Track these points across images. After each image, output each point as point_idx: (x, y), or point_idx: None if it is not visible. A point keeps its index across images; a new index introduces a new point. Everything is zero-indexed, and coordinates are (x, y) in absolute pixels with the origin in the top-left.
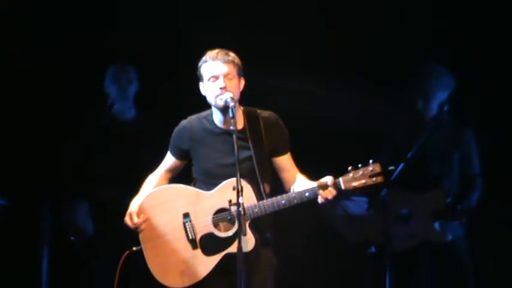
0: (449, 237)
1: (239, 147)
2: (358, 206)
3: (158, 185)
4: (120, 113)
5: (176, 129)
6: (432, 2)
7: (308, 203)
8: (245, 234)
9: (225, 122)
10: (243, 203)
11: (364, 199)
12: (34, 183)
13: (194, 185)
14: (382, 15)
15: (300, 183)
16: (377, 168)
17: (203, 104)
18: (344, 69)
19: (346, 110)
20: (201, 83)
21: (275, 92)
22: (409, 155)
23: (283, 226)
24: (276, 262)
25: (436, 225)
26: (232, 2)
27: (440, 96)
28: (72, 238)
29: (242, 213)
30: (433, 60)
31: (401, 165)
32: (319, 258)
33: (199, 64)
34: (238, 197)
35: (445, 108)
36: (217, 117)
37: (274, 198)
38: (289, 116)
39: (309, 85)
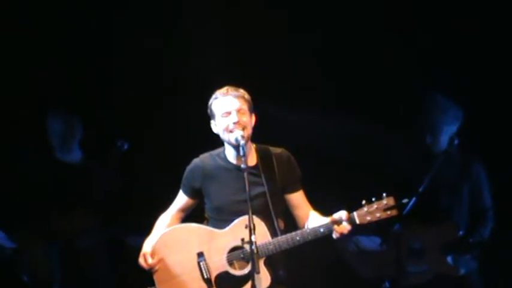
0: (462, 271)
1: (252, 184)
2: (371, 241)
3: (170, 224)
4: (64, 156)
5: (188, 168)
6: (436, 35)
7: (322, 238)
8: (259, 272)
9: (237, 157)
10: (255, 242)
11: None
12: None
13: (207, 224)
14: (384, 48)
15: (313, 220)
16: (391, 201)
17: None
18: (350, 105)
19: (354, 144)
20: (212, 122)
21: (288, 127)
22: (420, 189)
23: (297, 262)
24: None
25: (449, 259)
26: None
27: (448, 129)
28: (25, 278)
29: (255, 251)
30: (438, 93)
31: (413, 199)
32: None
33: (210, 102)
34: (250, 235)
35: (455, 142)
36: (230, 153)
37: (288, 235)
38: (299, 151)
39: (321, 121)
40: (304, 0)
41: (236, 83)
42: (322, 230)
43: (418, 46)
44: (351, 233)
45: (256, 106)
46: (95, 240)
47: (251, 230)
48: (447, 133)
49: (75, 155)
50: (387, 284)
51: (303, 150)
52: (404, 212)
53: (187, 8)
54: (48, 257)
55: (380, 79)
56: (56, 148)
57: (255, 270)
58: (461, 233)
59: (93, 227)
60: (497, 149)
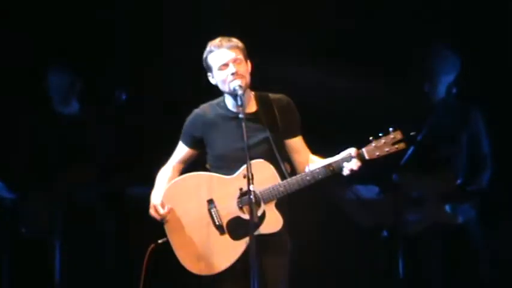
0: (460, 219)
1: (254, 130)
2: (369, 190)
3: (172, 176)
4: (62, 109)
5: (188, 118)
6: None
7: (331, 176)
8: (256, 221)
9: (238, 106)
10: (254, 191)
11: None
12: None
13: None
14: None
15: (315, 162)
16: (398, 135)
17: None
18: (349, 56)
19: (352, 96)
20: (209, 74)
21: (281, 80)
22: (418, 138)
23: (295, 211)
24: (291, 246)
25: (447, 207)
26: None
27: (447, 78)
28: (23, 230)
29: (253, 200)
30: (437, 42)
31: (411, 148)
32: (331, 243)
33: (205, 56)
34: (249, 184)
35: (453, 90)
36: (230, 103)
37: (298, 176)
38: (302, 104)
39: (315, 72)
40: None
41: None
42: (332, 167)
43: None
44: (361, 170)
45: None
46: (95, 194)
47: (249, 179)
48: (445, 82)
49: (73, 108)
50: (385, 233)
51: (302, 103)
52: (403, 161)
53: None
54: (48, 210)
55: (378, 29)
56: (55, 101)
57: (253, 220)
58: (459, 181)
59: (93, 180)
60: (495, 97)
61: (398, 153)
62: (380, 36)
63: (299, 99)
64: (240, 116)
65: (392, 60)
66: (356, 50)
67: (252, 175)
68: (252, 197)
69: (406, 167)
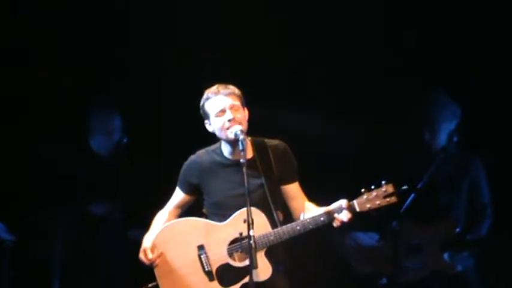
0: (459, 267)
1: (250, 177)
2: (369, 237)
3: (168, 221)
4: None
5: (185, 164)
6: (435, 31)
7: (322, 227)
8: (256, 267)
9: (234, 153)
10: (254, 236)
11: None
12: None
13: (206, 219)
14: (382, 45)
15: (310, 210)
16: (390, 188)
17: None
18: (348, 103)
19: (352, 142)
20: (206, 121)
21: (285, 127)
22: (418, 186)
23: (295, 257)
24: None
25: (446, 255)
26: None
27: (447, 126)
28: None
29: (253, 245)
30: (437, 90)
31: (411, 195)
32: None
33: (202, 103)
34: (249, 229)
35: (454, 139)
36: (227, 149)
37: (289, 225)
38: (294, 149)
39: (313, 117)
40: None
41: (232, 83)
42: (322, 218)
43: (417, 43)
44: (351, 223)
45: (253, 106)
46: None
47: (249, 224)
48: (446, 130)
49: (110, 147)
50: (384, 280)
51: (300, 149)
52: (403, 208)
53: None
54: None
55: (378, 77)
56: (94, 138)
57: (252, 265)
58: (458, 230)
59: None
60: (496, 146)
61: (399, 201)
62: (380, 84)
63: (297, 146)
64: (242, 161)
65: (392, 108)
66: (356, 97)
67: (253, 220)
68: (252, 242)
69: (406, 215)
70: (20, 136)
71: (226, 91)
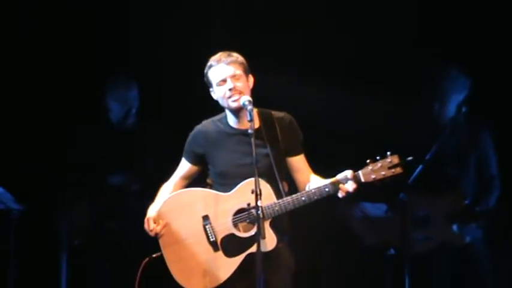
0: (467, 239)
1: (256, 146)
2: (377, 208)
3: (173, 192)
4: (119, 123)
5: (191, 134)
6: (446, 4)
7: (327, 198)
8: (265, 238)
9: (239, 122)
10: (261, 206)
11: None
12: (47, 185)
13: (211, 189)
14: (396, 18)
15: (315, 182)
16: (395, 159)
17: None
18: (358, 74)
19: (360, 113)
20: (211, 89)
21: (287, 96)
22: (426, 157)
23: (301, 229)
24: (295, 264)
25: (454, 227)
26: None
27: (456, 98)
28: (75, 242)
29: (261, 216)
30: (447, 62)
31: (419, 167)
32: (337, 260)
33: (205, 71)
34: (257, 199)
35: (463, 110)
36: (232, 119)
37: (294, 196)
38: (303, 120)
39: (323, 89)
40: None
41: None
42: (327, 189)
43: (426, 15)
44: (357, 193)
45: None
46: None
47: (257, 194)
48: (455, 102)
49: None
50: (392, 251)
51: (308, 121)
52: (411, 179)
53: None
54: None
55: (388, 48)
56: (112, 114)
57: (260, 235)
58: (467, 201)
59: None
60: (504, 118)
61: (406, 172)
62: (391, 56)
63: (304, 117)
64: (249, 131)
65: (402, 79)
66: (366, 69)
67: (260, 191)
68: (259, 212)
69: (414, 186)
70: (35, 104)
71: (229, 59)
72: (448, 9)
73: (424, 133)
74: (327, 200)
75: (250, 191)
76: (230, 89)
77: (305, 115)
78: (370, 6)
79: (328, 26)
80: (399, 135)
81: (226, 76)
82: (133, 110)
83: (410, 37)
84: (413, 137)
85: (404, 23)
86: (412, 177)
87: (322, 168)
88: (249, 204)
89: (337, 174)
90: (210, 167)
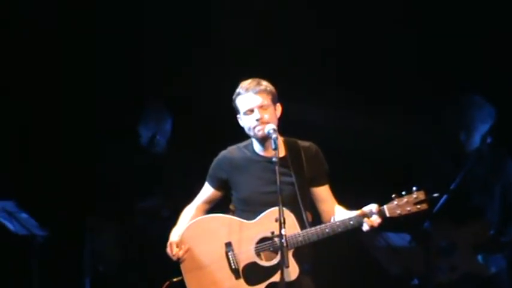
0: (492, 269)
1: (281, 174)
2: (401, 238)
3: (195, 216)
4: (150, 146)
5: (216, 159)
6: (473, 33)
7: (351, 231)
8: (288, 266)
9: (265, 150)
10: (285, 235)
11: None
12: (72, 212)
13: (232, 215)
14: (420, 46)
15: (340, 214)
16: (421, 195)
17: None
18: (383, 102)
19: (385, 142)
20: (238, 116)
21: (313, 124)
22: (451, 187)
23: (323, 257)
24: None
25: (479, 257)
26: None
27: (482, 127)
28: (100, 268)
29: (285, 244)
30: (473, 91)
31: (444, 197)
32: None
33: (234, 97)
34: (281, 228)
35: (488, 140)
36: (257, 146)
37: (318, 227)
38: (327, 148)
39: (348, 117)
40: None
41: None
42: (352, 222)
43: (454, 45)
44: (381, 226)
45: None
46: None
47: (281, 223)
48: (481, 131)
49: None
50: (416, 281)
51: (332, 150)
52: (435, 209)
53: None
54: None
55: (415, 77)
56: (143, 139)
57: (284, 264)
58: (492, 231)
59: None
60: None
61: (430, 204)
62: (416, 85)
63: (333, 147)
64: (274, 159)
65: (429, 108)
66: (390, 97)
67: (284, 219)
68: (283, 240)
69: (439, 216)
70: (67, 131)
71: (257, 88)
72: (471, 38)
73: (450, 162)
74: (351, 230)
75: (274, 220)
76: (257, 119)
77: (328, 144)
78: (393, 30)
79: (353, 52)
80: (426, 166)
81: (253, 106)
82: (161, 138)
83: (440, 66)
84: (440, 167)
85: (434, 54)
86: (436, 207)
87: (345, 198)
88: (272, 233)
89: (361, 204)
90: (233, 192)
